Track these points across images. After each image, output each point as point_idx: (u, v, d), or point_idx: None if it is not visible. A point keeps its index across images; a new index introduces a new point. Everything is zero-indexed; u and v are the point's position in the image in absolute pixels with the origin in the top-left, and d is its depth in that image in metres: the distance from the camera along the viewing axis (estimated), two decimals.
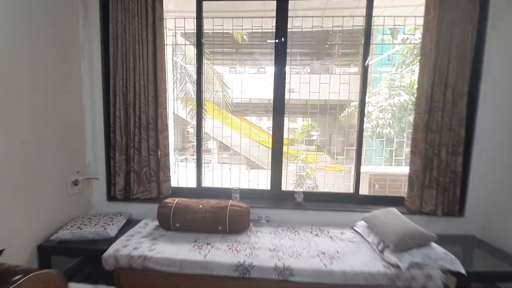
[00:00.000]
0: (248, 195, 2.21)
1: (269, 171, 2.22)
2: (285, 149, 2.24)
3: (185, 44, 2.65)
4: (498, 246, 1.79)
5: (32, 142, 1.60)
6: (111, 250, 1.54)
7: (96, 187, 2.13)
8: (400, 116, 5.04)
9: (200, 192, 2.25)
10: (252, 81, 3.40)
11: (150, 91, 2.01)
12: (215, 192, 2.26)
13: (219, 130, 6.00)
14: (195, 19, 2.19)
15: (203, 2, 2.15)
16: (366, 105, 5.26)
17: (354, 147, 2.20)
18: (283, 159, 2.22)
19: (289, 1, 2.10)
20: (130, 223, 2.01)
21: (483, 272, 1.53)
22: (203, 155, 2.28)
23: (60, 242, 1.69)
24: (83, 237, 1.72)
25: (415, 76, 5.16)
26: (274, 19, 2.18)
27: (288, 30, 2.17)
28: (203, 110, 2.24)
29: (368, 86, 2.14)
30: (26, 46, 1.55)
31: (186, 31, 2.97)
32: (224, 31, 3.10)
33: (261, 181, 3.12)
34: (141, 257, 1.50)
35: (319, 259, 1.51)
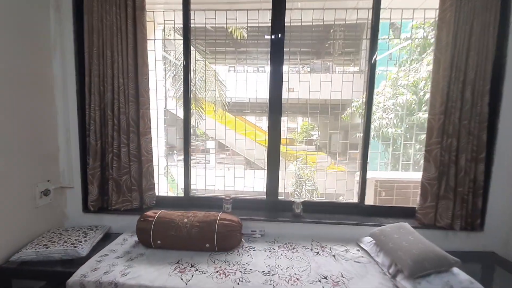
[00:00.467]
0: (241, 204, 1.98)
1: (265, 169, 2.00)
2: (283, 149, 2.01)
3: (175, 39, 2.42)
4: None
5: None
6: (77, 276, 1.32)
7: (71, 197, 1.91)
8: (405, 114, 4.84)
9: (187, 202, 2.03)
10: (247, 79, 3.18)
11: (130, 90, 1.79)
12: (204, 201, 2.04)
13: (218, 130, 5.81)
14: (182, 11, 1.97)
15: None
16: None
17: (358, 150, 1.98)
18: (281, 162, 1.99)
19: None
20: (108, 238, 1.78)
21: None
22: (190, 159, 2.05)
23: (22, 264, 1.47)
24: (49, 257, 1.49)
25: (419, 75, 4.98)
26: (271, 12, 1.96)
27: (286, 24, 1.95)
28: (190, 109, 2.02)
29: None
30: None
31: (176, 25, 2.75)
32: (218, 25, 2.89)
33: (258, 182, 2.94)
34: (111, 284, 1.27)
35: (320, 286, 1.29)
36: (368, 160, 1.92)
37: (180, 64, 1.96)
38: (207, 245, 1.55)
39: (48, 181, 1.77)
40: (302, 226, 1.82)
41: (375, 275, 1.38)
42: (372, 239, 1.62)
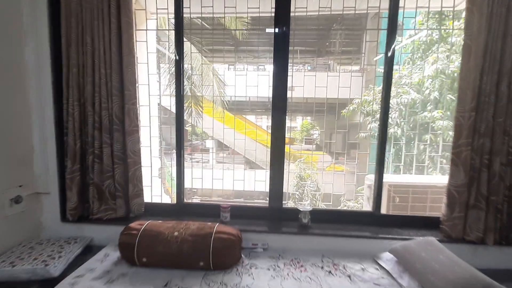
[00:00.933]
0: (240, 213, 1.76)
1: (267, 172, 1.78)
2: (287, 149, 1.79)
3: (168, 30, 2.20)
4: None
5: None
6: None
7: (47, 205, 1.68)
8: (407, 113, 4.63)
9: (180, 210, 1.81)
10: (247, 76, 2.96)
11: (114, 82, 1.56)
12: (199, 209, 1.82)
13: (218, 130, 5.59)
14: None
15: None
16: (371, 103, 4.84)
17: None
18: (285, 163, 1.77)
19: None
20: (89, 251, 1.56)
21: None
22: (183, 161, 1.83)
23: None
24: (15, 278, 1.27)
25: (423, 73, 4.76)
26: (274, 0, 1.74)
27: (291, 14, 1.72)
28: (183, 105, 1.79)
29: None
30: None
31: (170, 15, 2.52)
32: (215, 15, 2.66)
33: (259, 183, 2.90)
34: None
35: None
36: (384, 164, 1.70)
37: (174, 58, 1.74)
38: (201, 263, 1.33)
39: (20, 186, 1.55)
40: (310, 239, 1.59)
41: None
42: (393, 256, 1.39)
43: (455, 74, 4.11)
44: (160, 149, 3.03)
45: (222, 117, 5.43)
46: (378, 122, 1.70)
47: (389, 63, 1.62)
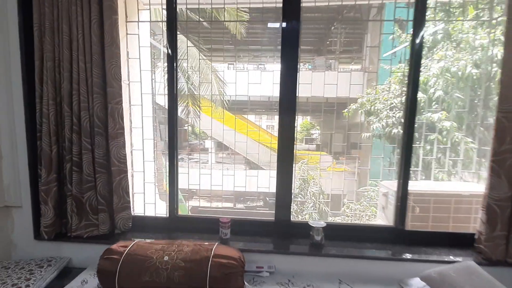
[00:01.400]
0: (242, 227, 1.53)
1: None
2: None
3: (162, 21, 1.98)
4: None
5: None
6: None
7: (19, 220, 1.46)
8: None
9: (174, 224, 1.58)
10: (249, 73, 2.75)
11: (95, 78, 1.34)
12: (195, 223, 1.59)
13: (217, 130, 5.37)
14: None
15: None
16: (374, 102, 4.59)
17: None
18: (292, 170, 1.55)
19: None
20: (66, 275, 1.35)
21: None
22: (177, 167, 1.60)
23: None
24: None
25: (429, 73, 4.51)
26: None
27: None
28: (177, 102, 1.57)
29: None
30: None
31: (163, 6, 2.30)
32: (213, 6, 2.44)
33: (259, 182, 2.84)
34: None
35: None
36: (410, 168, 1.48)
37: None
38: None
39: None
40: (325, 261, 1.36)
41: None
42: (425, 284, 1.16)
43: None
44: (154, 152, 2.81)
45: (222, 117, 5.21)
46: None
47: (416, 54, 1.39)
